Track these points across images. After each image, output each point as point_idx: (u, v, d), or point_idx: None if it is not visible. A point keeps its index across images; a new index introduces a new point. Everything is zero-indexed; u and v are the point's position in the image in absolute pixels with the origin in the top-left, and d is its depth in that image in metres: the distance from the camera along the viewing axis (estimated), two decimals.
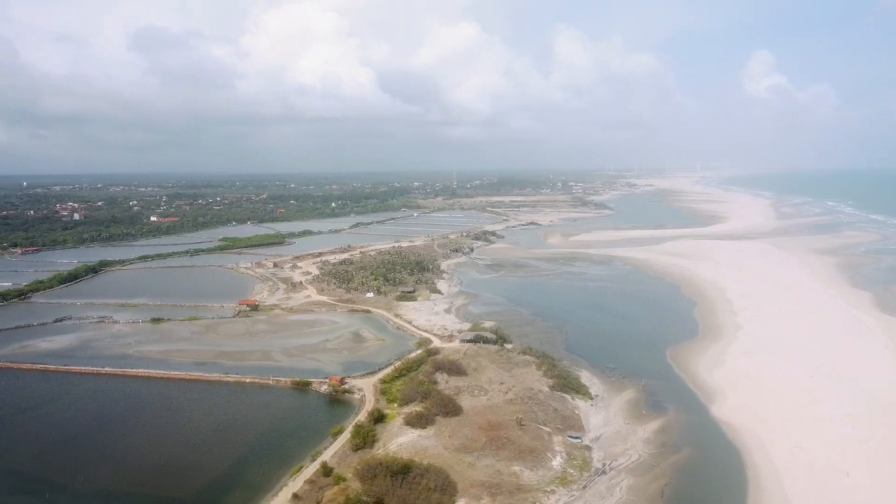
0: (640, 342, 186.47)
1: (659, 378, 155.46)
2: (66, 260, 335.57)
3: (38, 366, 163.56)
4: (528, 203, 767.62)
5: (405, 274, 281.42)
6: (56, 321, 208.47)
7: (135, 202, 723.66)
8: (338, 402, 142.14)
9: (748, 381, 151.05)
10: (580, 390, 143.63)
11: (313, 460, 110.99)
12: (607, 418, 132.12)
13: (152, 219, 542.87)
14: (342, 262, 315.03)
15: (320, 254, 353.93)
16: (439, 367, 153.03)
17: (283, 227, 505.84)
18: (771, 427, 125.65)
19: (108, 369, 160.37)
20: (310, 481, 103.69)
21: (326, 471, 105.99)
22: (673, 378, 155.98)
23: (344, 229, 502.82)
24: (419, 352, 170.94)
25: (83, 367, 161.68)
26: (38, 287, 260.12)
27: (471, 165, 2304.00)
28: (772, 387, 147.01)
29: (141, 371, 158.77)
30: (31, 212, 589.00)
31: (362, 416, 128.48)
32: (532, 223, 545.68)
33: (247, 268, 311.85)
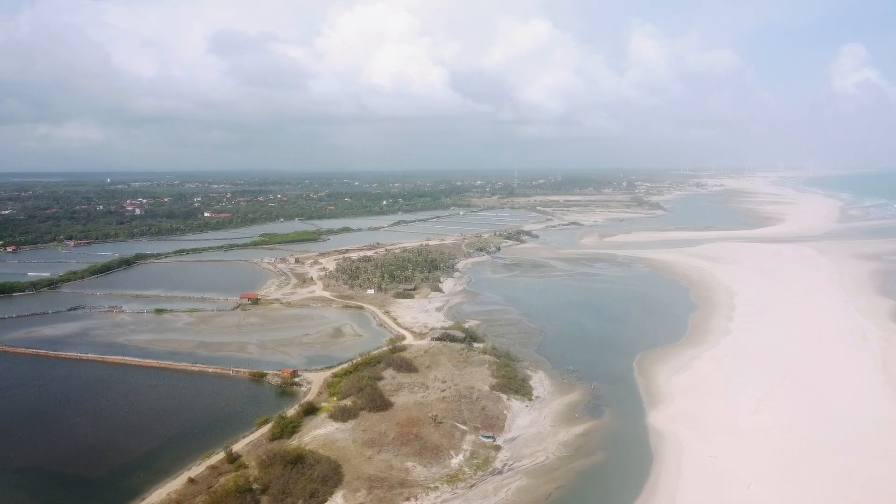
0: (616, 345, 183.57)
1: (614, 382, 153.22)
2: (109, 253, 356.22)
3: (31, 350, 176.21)
4: (582, 203, 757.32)
5: (415, 272, 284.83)
6: (70, 310, 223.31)
7: (199, 198, 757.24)
8: (285, 393, 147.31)
9: (703, 388, 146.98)
10: (521, 391, 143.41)
11: (228, 448, 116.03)
12: (536, 420, 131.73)
13: (206, 214, 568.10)
14: (361, 259, 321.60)
15: (346, 251, 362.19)
16: (391, 364, 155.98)
17: (326, 224, 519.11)
18: (699, 435, 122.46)
19: (90, 356, 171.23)
20: (212, 467, 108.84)
21: (231, 458, 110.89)
22: (628, 382, 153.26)
23: (383, 227, 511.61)
24: (385, 348, 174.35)
25: (69, 353, 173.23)
26: (69, 277, 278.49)
27: (544, 164, 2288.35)
28: (724, 394, 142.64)
29: (118, 358, 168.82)
30: (101, 207, 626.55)
31: (293, 409, 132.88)
32: (574, 223, 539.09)
33: (269, 263, 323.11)
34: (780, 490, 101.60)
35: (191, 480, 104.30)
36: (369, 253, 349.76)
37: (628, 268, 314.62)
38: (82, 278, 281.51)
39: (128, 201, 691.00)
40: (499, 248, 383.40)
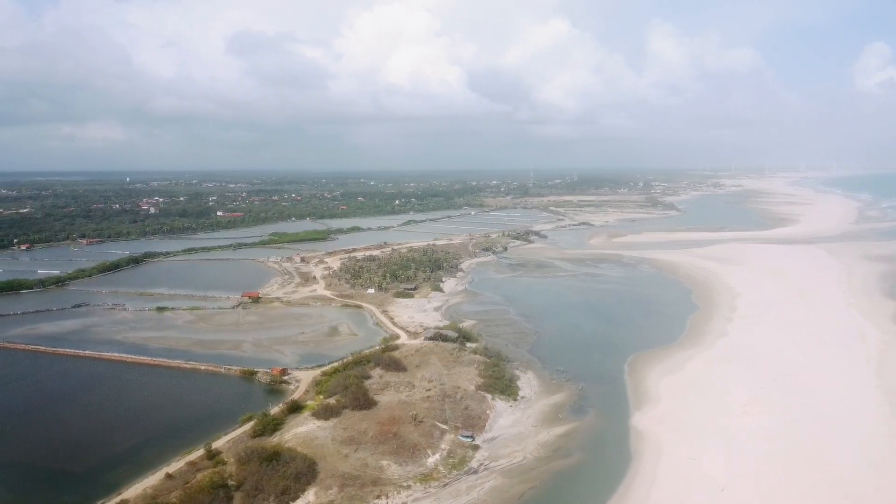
0: (611, 346, 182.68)
1: (603, 383, 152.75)
2: (120, 251, 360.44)
3: (31, 347, 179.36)
4: (595, 203, 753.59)
5: (418, 271, 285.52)
6: (74, 307, 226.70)
7: (214, 198, 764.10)
8: (273, 391, 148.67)
9: (691, 390, 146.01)
10: (506, 391, 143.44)
11: (208, 445, 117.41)
12: (519, 420, 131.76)
13: (219, 214, 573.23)
14: (366, 259, 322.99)
15: (353, 250, 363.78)
16: (380, 363, 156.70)
17: (337, 224, 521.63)
18: (681, 437, 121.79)
19: (87, 352, 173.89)
20: (191, 463, 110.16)
21: (210, 454, 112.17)
22: (617, 383, 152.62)
23: (393, 227, 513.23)
24: (377, 347, 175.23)
25: (67, 350, 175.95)
26: (78, 275, 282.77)
27: (562, 164, 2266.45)
28: (712, 396, 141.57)
29: (114, 355, 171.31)
30: (117, 205, 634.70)
31: (278, 406, 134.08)
32: (584, 223, 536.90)
33: (275, 262, 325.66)
34: (754, 493, 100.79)
35: (168, 476, 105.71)
36: (375, 252, 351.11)
37: (633, 268, 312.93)
38: (90, 276, 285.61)
39: (144, 200, 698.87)
40: (506, 248, 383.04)
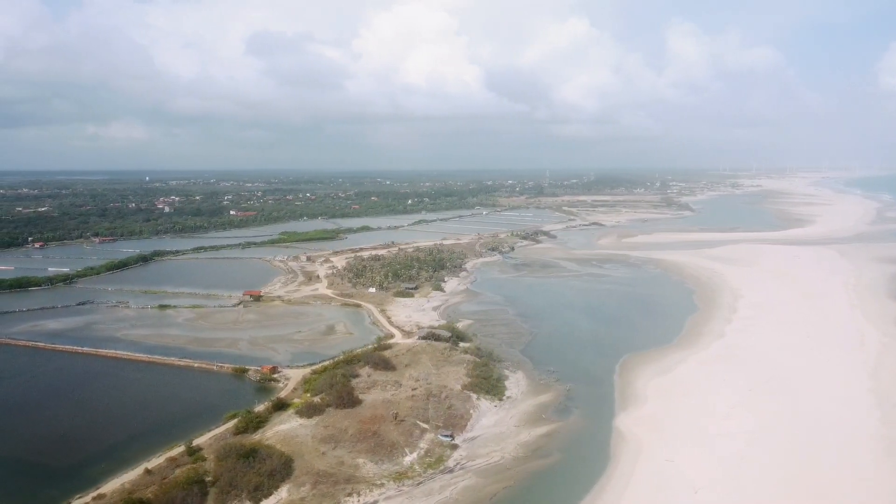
0: (605, 347, 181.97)
1: (592, 384, 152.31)
2: (131, 249, 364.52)
3: (31, 343, 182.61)
4: (609, 203, 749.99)
5: (421, 271, 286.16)
6: (78, 304, 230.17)
7: (229, 197, 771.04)
8: (263, 389, 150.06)
9: (680, 392, 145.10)
10: (492, 391, 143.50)
11: (191, 441, 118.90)
12: (502, 420, 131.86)
13: (232, 213, 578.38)
14: (371, 258, 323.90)
15: (360, 249, 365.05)
16: (369, 362, 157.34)
17: (348, 223, 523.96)
18: (662, 438, 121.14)
19: (85, 349, 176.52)
20: (171, 459, 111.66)
21: (191, 451, 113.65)
22: (606, 384, 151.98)
23: (403, 226, 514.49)
24: (370, 346, 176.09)
25: (65, 346, 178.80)
26: (86, 273, 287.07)
27: (581, 164, 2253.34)
28: (699, 398, 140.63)
29: (110, 352, 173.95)
30: (133, 204, 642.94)
31: (263, 404, 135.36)
32: (595, 223, 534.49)
33: (281, 261, 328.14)
34: (727, 496, 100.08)
35: (147, 471, 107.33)
36: (382, 252, 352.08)
37: (638, 269, 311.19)
38: (98, 274, 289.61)
39: (160, 199, 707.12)
40: (513, 248, 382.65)
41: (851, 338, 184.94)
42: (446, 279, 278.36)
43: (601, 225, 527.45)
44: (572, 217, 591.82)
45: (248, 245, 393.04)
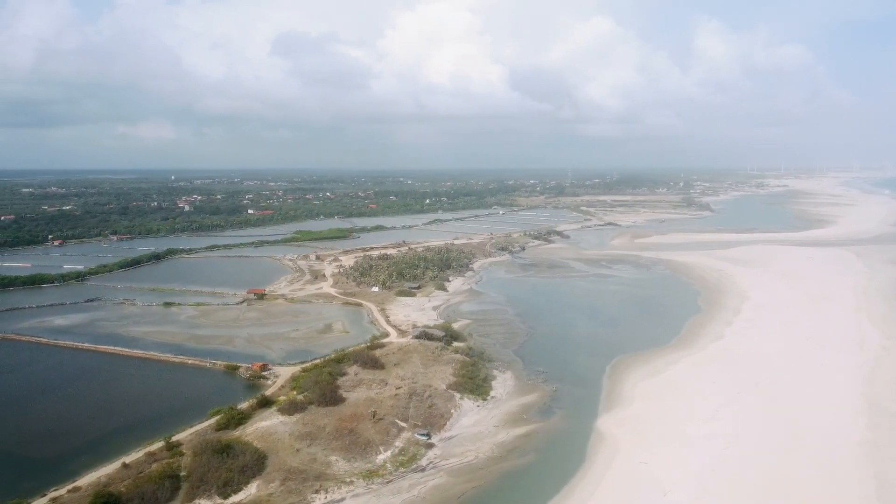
0: (599, 348, 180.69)
1: (580, 385, 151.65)
2: (146, 247, 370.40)
3: (34, 339, 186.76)
4: (628, 203, 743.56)
5: (426, 270, 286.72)
6: (86, 301, 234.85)
7: (250, 196, 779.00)
8: (252, 386, 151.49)
9: (667, 394, 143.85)
10: (477, 391, 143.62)
11: (170, 436, 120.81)
12: (482, 420, 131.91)
13: (249, 211, 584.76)
14: (379, 258, 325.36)
15: (371, 248, 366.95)
16: (358, 361, 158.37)
17: (362, 222, 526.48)
18: (641, 440, 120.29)
19: (85, 345, 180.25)
20: (150, 453, 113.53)
21: (170, 446, 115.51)
22: (594, 386, 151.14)
23: (417, 225, 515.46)
24: (363, 345, 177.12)
25: (66, 342, 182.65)
26: (99, 270, 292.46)
27: (605, 163, 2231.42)
28: (686, 400, 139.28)
29: (109, 348, 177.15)
30: (155, 203, 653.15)
31: (248, 401, 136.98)
32: (611, 223, 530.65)
33: (291, 259, 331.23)
34: (697, 498, 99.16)
35: (125, 465, 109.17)
36: (391, 251, 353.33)
37: (647, 270, 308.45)
38: (111, 271, 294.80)
39: (182, 198, 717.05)
40: (523, 248, 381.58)
41: (852, 340, 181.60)
42: (451, 279, 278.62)
43: (616, 225, 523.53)
44: (588, 217, 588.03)
45: (262, 244, 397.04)
